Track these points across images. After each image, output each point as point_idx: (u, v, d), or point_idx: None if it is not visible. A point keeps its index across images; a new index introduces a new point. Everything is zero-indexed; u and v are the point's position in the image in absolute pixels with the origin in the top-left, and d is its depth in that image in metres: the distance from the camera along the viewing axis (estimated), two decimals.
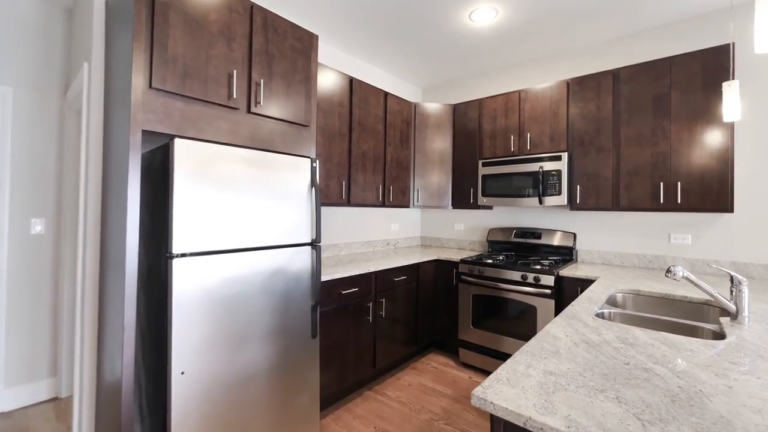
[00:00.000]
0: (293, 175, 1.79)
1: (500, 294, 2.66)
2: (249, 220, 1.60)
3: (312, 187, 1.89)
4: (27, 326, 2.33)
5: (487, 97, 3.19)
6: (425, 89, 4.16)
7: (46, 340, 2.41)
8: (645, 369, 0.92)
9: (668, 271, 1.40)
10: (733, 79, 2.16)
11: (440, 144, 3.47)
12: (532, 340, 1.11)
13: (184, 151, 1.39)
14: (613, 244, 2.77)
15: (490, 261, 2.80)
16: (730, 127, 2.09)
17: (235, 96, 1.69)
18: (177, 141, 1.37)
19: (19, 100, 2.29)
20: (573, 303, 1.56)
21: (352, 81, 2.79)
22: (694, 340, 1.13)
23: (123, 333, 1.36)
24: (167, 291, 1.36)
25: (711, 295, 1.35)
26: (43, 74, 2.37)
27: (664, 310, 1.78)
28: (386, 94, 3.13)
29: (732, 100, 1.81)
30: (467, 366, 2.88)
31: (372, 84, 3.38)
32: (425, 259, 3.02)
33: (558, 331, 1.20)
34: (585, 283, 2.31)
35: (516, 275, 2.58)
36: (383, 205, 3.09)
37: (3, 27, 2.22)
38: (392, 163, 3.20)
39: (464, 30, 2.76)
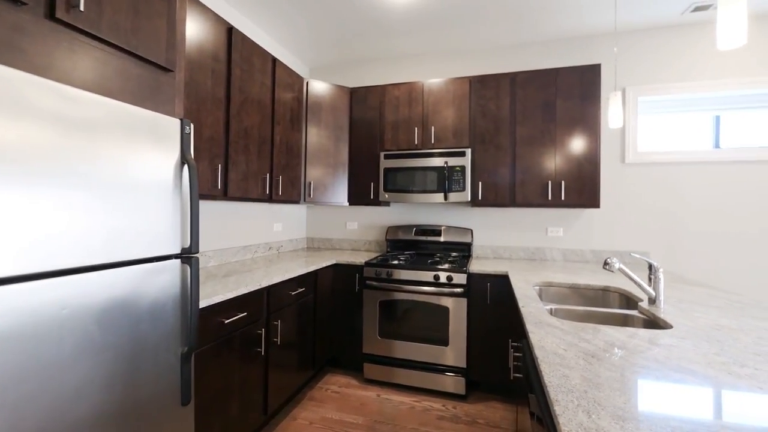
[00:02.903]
0: (150, 144, 1.07)
1: (411, 297, 2.44)
2: (50, 220, 0.84)
3: (183, 166, 1.19)
4: None
5: (390, 84, 2.94)
6: (313, 68, 3.64)
7: None
8: (676, 381, 0.75)
9: (605, 263, 1.41)
10: (601, 93, 2.51)
11: (336, 131, 3.04)
12: (545, 367, 0.85)
13: None
14: (503, 239, 2.94)
15: (396, 262, 2.55)
16: (598, 134, 2.41)
17: None
18: None
19: None
20: (521, 304, 1.42)
21: (231, 31, 2.08)
22: (662, 332, 1.09)
23: None
24: None
25: (637, 283, 1.41)
26: None
27: (576, 299, 1.87)
28: (275, 59, 2.50)
29: (615, 110, 2.03)
30: (373, 382, 2.56)
31: None
32: (324, 265, 2.55)
33: (551, 345, 0.99)
34: (494, 279, 2.31)
35: (428, 276, 2.41)
36: (270, 200, 2.46)
37: None
38: (281, 147, 2.60)
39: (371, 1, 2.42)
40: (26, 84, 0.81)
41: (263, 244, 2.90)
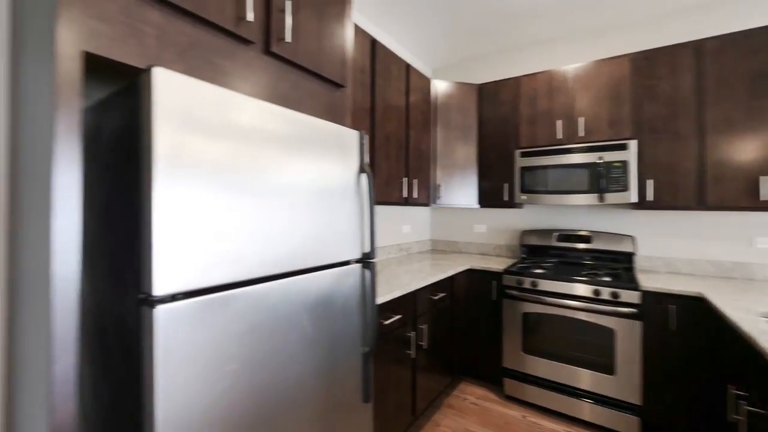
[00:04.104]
0: (337, 155, 1.15)
1: (562, 313, 2.17)
2: (273, 223, 0.94)
3: (361, 174, 1.26)
4: None
5: (524, 76, 2.70)
6: (436, 69, 3.62)
7: None
8: None
9: None
10: None
11: (465, 131, 2.94)
12: None
13: (172, 94, 0.71)
14: (682, 249, 2.39)
15: (541, 271, 2.31)
16: None
17: (250, 19, 1.02)
18: (157, 72, 0.69)
19: None
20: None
21: (374, 43, 2.17)
22: None
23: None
24: (140, 363, 0.68)
25: None
26: None
27: None
28: (408, 65, 2.54)
29: None
30: (514, 400, 2.37)
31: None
32: (459, 270, 2.47)
33: None
34: (680, 300, 1.87)
35: (585, 289, 2.10)
36: (406, 203, 2.50)
37: None
38: (415, 151, 2.62)
39: None
40: (265, 111, 0.93)
41: (395, 245, 2.98)
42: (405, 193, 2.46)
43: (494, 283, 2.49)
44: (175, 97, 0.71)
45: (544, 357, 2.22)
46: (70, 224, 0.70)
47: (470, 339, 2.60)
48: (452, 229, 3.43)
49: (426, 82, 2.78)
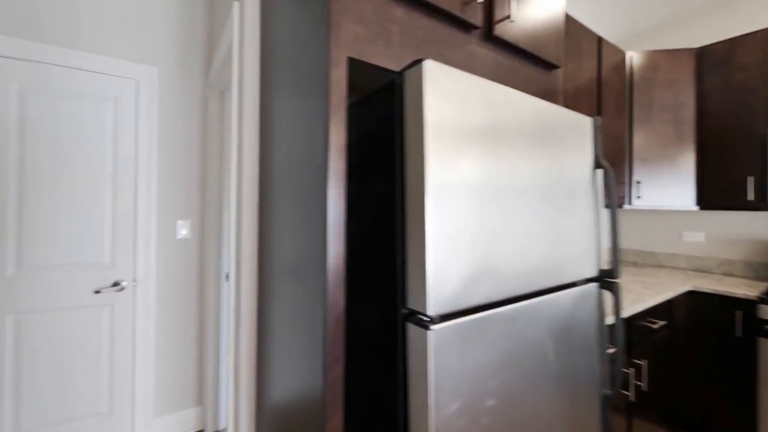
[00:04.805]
0: (572, 147, 0.93)
1: None
2: (517, 233, 0.79)
3: (597, 170, 1.00)
4: (177, 346, 2.00)
5: None
6: (620, 40, 2.95)
7: (193, 363, 2.05)
8: None
9: None
10: None
11: (675, 111, 2.28)
12: None
13: (442, 90, 0.63)
14: None
15: None
16: None
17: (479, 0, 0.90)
18: (428, 65, 0.62)
19: (164, 84, 1.94)
20: None
21: (565, 18, 1.84)
22: None
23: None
24: (405, 384, 0.63)
25: None
26: (186, 49, 2.00)
27: None
28: (600, 38, 2.10)
29: None
30: None
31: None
32: (678, 292, 1.89)
33: None
34: None
35: None
36: None
37: None
38: (608, 140, 2.15)
39: None
40: (510, 101, 0.78)
41: None
42: None
43: (739, 313, 1.81)
44: (445, 87, 0.63)
45: None
46: (340, 235, 0.69)
47: (696, 384, 1.97)
48: (647, 237, 2.74)
49: (620, 55, 2.26)
